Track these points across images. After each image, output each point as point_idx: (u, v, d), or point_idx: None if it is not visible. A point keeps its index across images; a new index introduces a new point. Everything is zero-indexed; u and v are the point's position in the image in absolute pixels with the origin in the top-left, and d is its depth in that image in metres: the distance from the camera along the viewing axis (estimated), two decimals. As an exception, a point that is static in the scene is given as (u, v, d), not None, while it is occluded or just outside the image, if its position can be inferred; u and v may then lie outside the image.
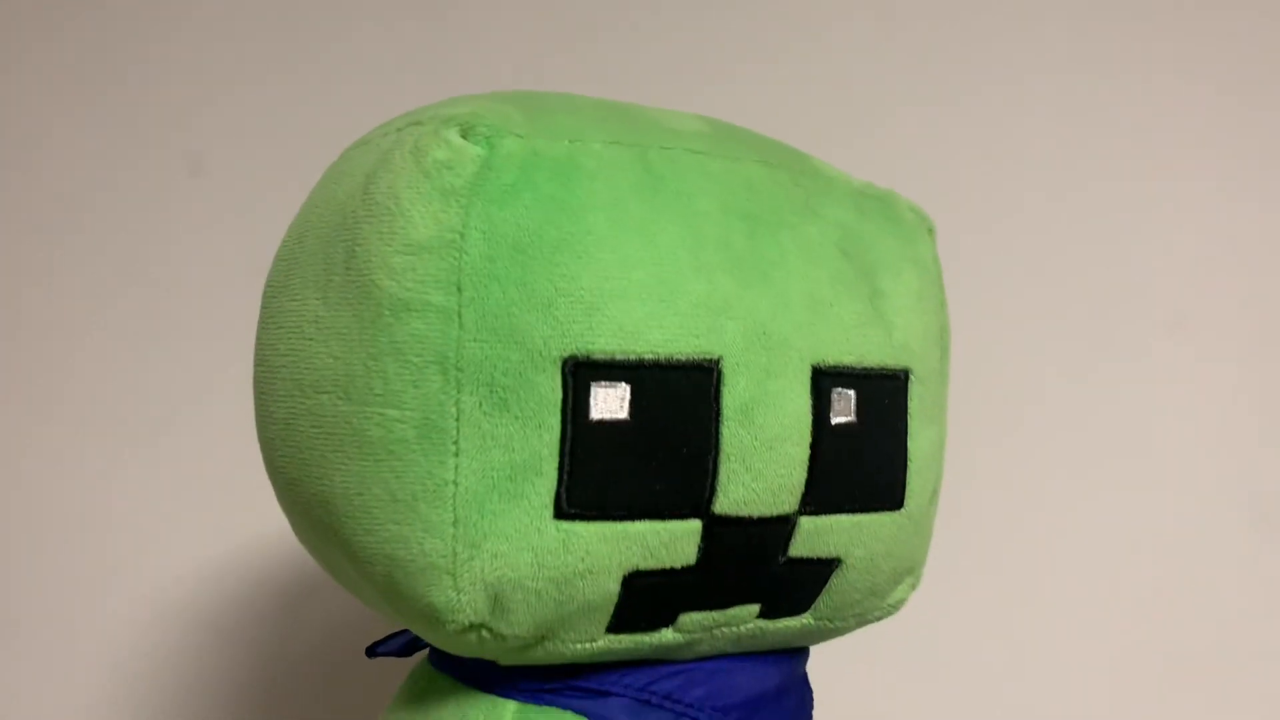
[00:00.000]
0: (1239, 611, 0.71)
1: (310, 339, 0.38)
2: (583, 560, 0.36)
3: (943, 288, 0.45)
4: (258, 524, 0.72)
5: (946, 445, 0.46)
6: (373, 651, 0.47)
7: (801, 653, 0.46)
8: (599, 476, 0.36)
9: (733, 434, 0.37)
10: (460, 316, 0.35)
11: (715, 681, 0.42)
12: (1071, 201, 0.72)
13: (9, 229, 0.75)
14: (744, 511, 0.38)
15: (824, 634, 0.44)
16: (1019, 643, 0.73)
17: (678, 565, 0.38)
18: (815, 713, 0.47)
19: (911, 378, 0.42)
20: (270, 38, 0.75)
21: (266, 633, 0.74)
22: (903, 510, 0.42)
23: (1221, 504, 0.71)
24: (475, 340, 0.35)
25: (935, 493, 0.44)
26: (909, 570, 0.44)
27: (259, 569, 0.74)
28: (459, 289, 0.36)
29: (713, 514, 0.38)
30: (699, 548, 0.38)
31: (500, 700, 0.41)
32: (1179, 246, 0.72)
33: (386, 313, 0.36)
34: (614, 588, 0.37)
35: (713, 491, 0.37)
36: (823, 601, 0.42)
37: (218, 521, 0.73)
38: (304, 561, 0.71)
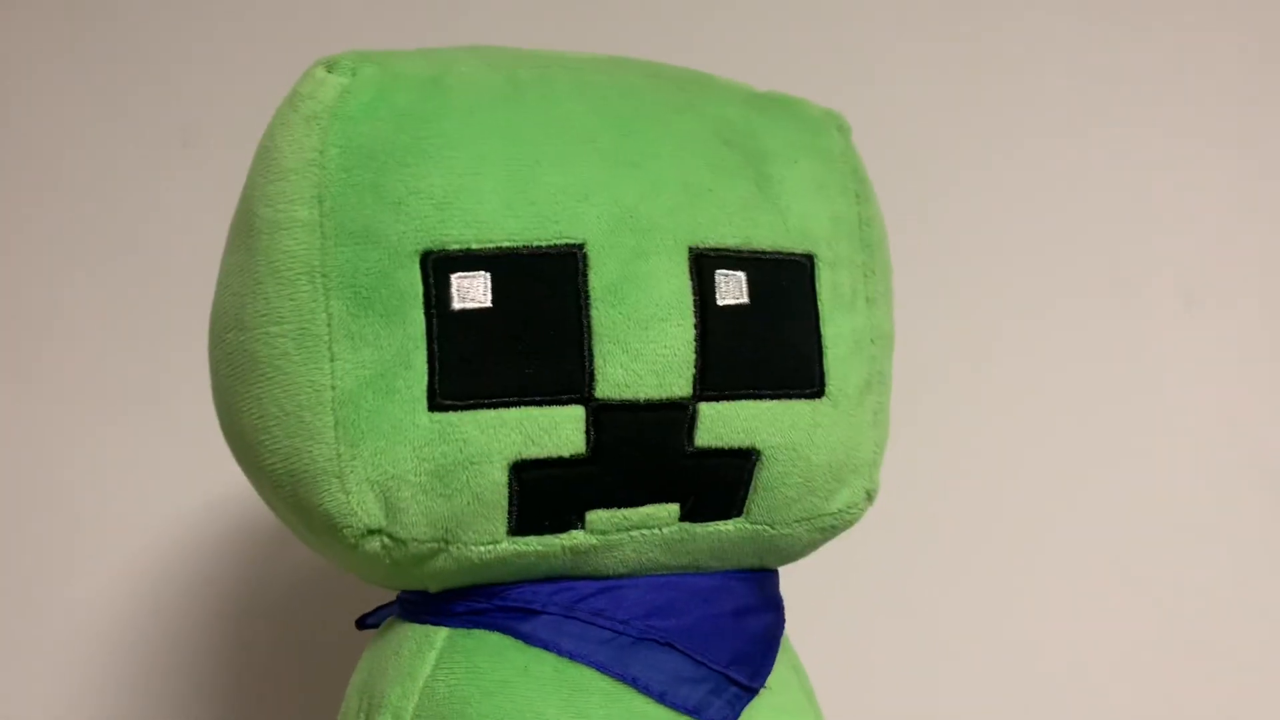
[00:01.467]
0: (1257, 593, 0.67)
1: (223, 287, 0.41)
2: (461, 449, 0.37)
3: (863, 181, 0.44)
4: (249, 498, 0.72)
5: (891, 345, 0.45)
6: (362, 623, 0.48)
7: (764, 573, 0.44)
8: (468, 365, 0.37)
9: (603, 315, 0.37)
10: (322, 226, 0.37)
11: (651, 597, 0.41)
12: (1084, 179, 0.71)
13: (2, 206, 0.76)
14: (629, 395, 0.38)
15: (774, 544, 0.42)
16: (1032, 634, 0.69)
17: (566, 454, 0.37)
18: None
19: (818, 262, 0.41)
20: (262, 6, 0.76)
21: (244, 605, 0.73)
22: (825, 398, 0.41)
23: (1235, 482, 0.68)
24: (337, 245, 0.37)
25: (871, 385, 0.42)
26: (851, 469, 0.42)
27: (239, 539, 0.74)
28: (320, 201, 0.37)
29: (595, 398, 0.37)
30: (587, 435, 0.37)
31: (434, 628, 0.41)
32: (1192, 224, 0.70)
33: (264, 237, 0.38)
34: (501, 478, 0.37)
35: (591, 375, 0.37)
36: (754, 503, 0.41)
37: (207, 492, 0.72)
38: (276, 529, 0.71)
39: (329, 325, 0.37)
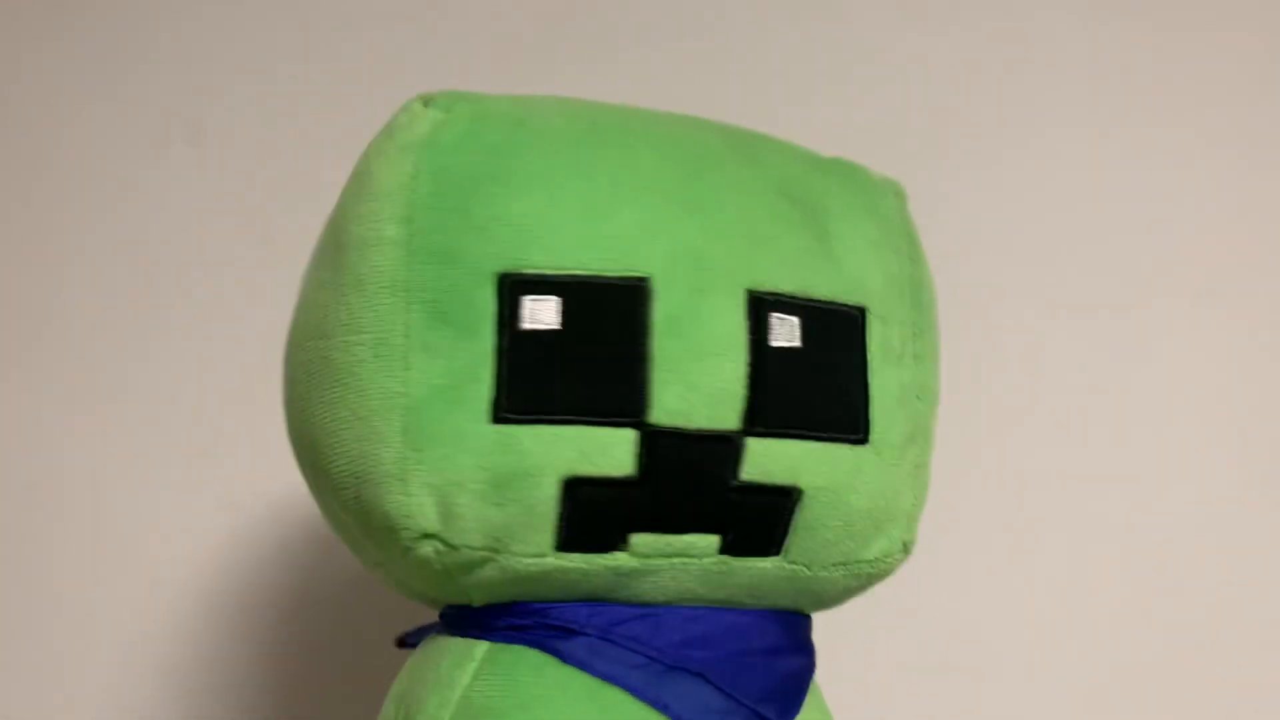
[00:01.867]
0: (1275, 594, 0.66)
1: (306, 300, 0.44)
2: (519, 460, 0.39)
3: (916, 245, 0.46)
4: (262, 499, 0.71)
5: (936, 404, 0.46)
6: (403, 642, 0.49)
7: (798, 616, 0.45)
8: (531, 381, 0.39)
9: (662, 344, 0.39)
10: (409, 245, 0.40)
11: (686, 628, 0.42)
12: (1092, 174, 0.71)
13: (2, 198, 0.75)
14: (680, 423, 0.39)
15: (810, 587, 0.43)
16: (1038, 635, 0.69)
17: (616, 474, 0.39)
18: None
19: (869, 315, 0.43)
20: (267, 5, 0.76)
21: (283, 615, 0.72)
22: (868, 445, 0.42)
23: (1249, 479, 0.68)
24: (422, 263, 0.40)
25: (914, 439, 0.44)
26: (889, 518, 0.43)
27: (273, 547, 0.73)
28: (409, 221, 0.40)
29: (649, 424, 0.39)
30: (638, 458, 0.39)
31: (475, 642, 0.42)
32: (1203, 219, 0.70)
33: (353, 253, 0.41)
34: (552, 491, 0.39)
35: (646, 399, 0.39)
36: (793, 543, 0.42)
37: (219, 498, 0.72)
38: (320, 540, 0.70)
39: (406, 336, 0.40)
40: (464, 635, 0.43)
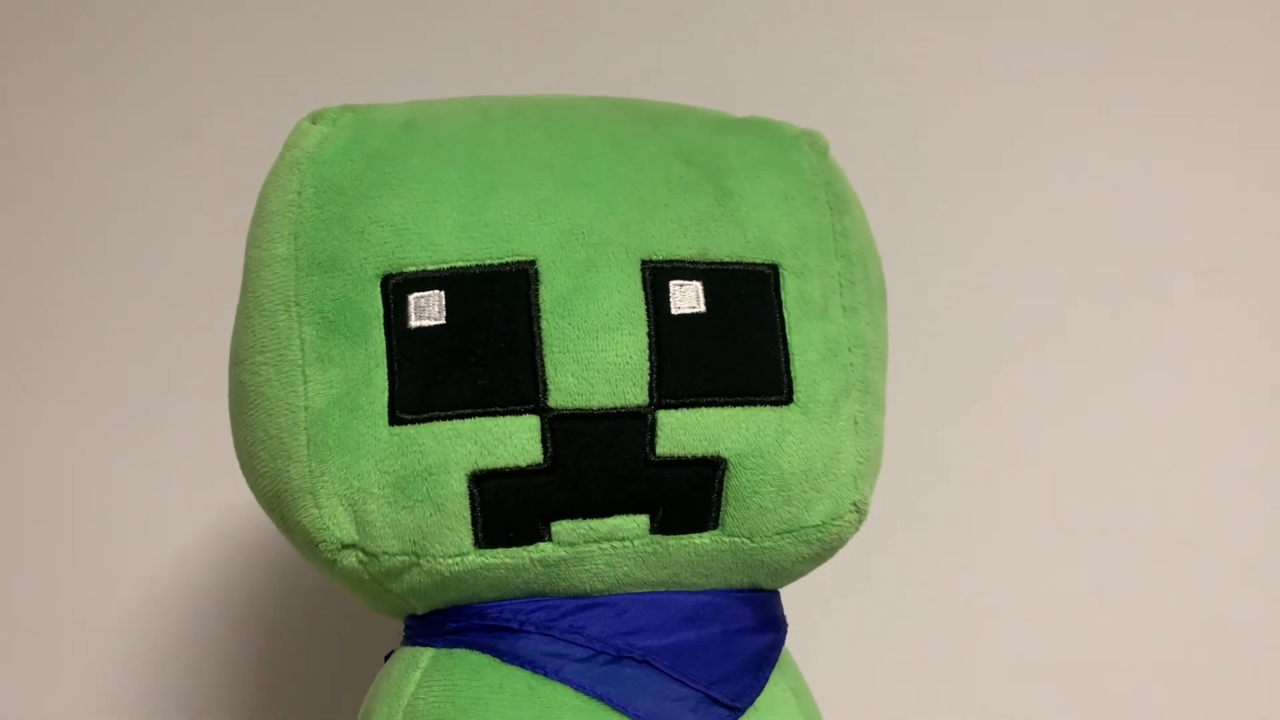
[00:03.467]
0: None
1: (234, 328, 0.44)
2: (419, 460, 0.38)
3: (839, 194, 0.44)
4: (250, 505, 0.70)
5: (883, 354, 0.44)
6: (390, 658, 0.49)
7: (762, 594, 0.43)
8: (423, 379, 0.38)
9: (553, 325, 0.38)
10: (297, 260, 0.40)
11: (631, 616, 0.41)
12: (1101, 152, 0.68)
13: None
14: (582, 403, 0.38)
15: (759, 559, 0.41)
16: (1043, 630, 0.66)
17: (523, 463, 0.38)
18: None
19: (782, 271, 0.41)
20: (261, 3, 0.76)
21: (264, 614, 0.71)
22: (793, 405, 0.40)
23: (1258, 469, 0.65)
24: (308, 275, 0.40)
25: (848, 393, 0.42)
26: (829, 477, 0.41)
27: (254, 551, 0.72)
28: (296, 237, 0.40)
29: (550, 408, 0.38)
30: (544, 445, 0.38)
31: (421, 649, 0.42)
32: (1210, 204, 0.67)
33: (252, 275, 0.42)
34: (460, 487, 0.38)
35: (544, 384, 0.38)
36: (728, 514, 0.40)
37: (210, 501, 0.71)
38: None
39: (302, 350, 0.40)
40: (414, 644, 0.42)
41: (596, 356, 0.38)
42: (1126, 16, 0.70)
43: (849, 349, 0.42)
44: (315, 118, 0.43)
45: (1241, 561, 0.65)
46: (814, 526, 0.41)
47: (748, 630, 0.42)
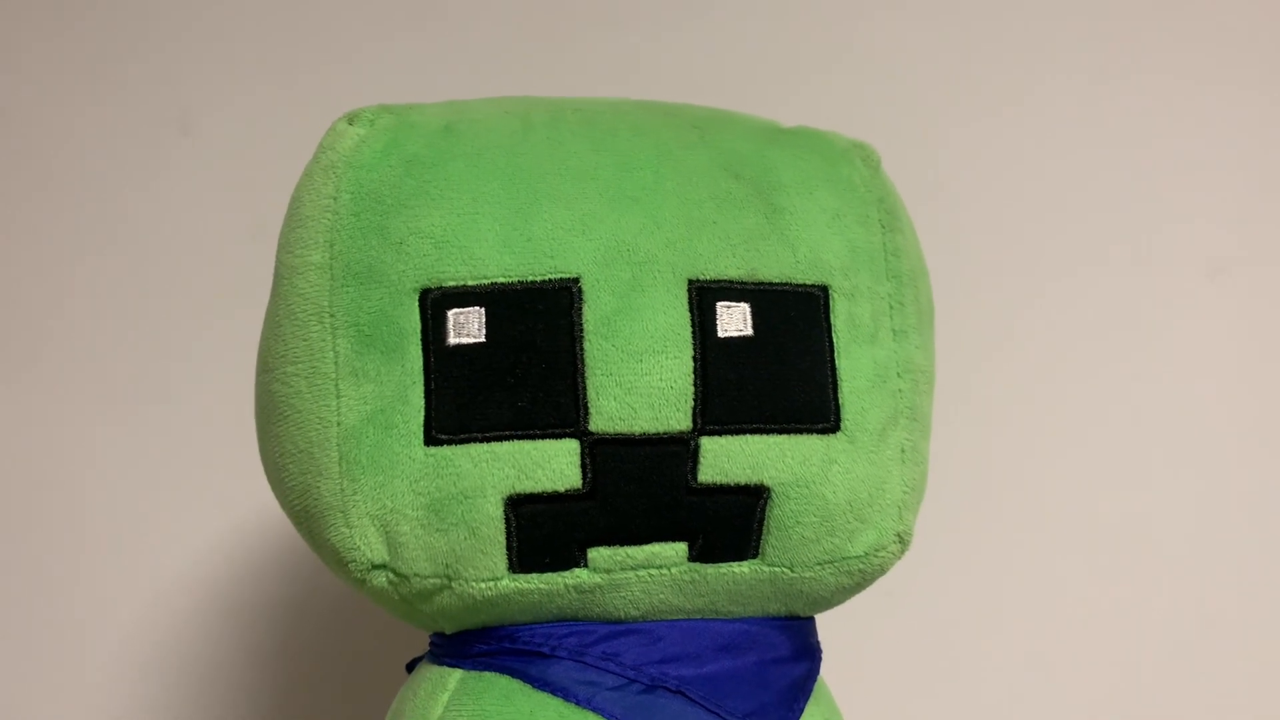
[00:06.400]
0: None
1: (262, 334, 0.43)
2: (455, 483, 0.37)
3: (891, 211, 0.43)
4: (259, 503, 0.68)
5: (931, 378, 0.43)
6: (411, 667, 0.48)
7: (796, 621, 0.42)
8: (461, 399, 0.37)
9: (595, 347, 0.37)
10: (332, 269, 0.39)
11: (666, 644, 0.40)
12: (1107, 149, 0.67)
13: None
14: (624, 428, 0.37)
15: (797, 589, 0.40)
16: (1047, 631, 0.65)
17: (562, 488, 0.37)
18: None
19: (832, 293, 0.40)
20: None
21: (281, 618, 0.70)
22: (840, 433, 0.39)
23: (1265, 465, 0.64)
24: (344, 286, 0.39)
25: (897, 421, 0.41)
26: (875, 508, 0.40)
27: (269, 554, 0.71)
28: (331, 245, 0.39)
29: (590, 432, 0.37)
30: (583, 470, 0.37)
31: (450, 670, 0.41)
32: (1216, 195, 0.66)
33: (284, 282, 0.40)
34: (496, 512, 0.37)
35: (585, 408, 0.37)
36: (769, 544, 0.39)
37: (215, 501, 0.70)
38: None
39: (336, 363, 0.38)
40: (441, 664, 0.41)
41: (640, 380, 0.37)
42: (1128, 13, 0.68)
43: (898, 374, 0.41)
44: (352, 119, 0.41)
45: (1241, 560, 0.64)
46: (856, 557, 0.40)
47: (783, 660, 0.41)
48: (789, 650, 0.41)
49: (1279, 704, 0.64)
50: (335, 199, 0.39)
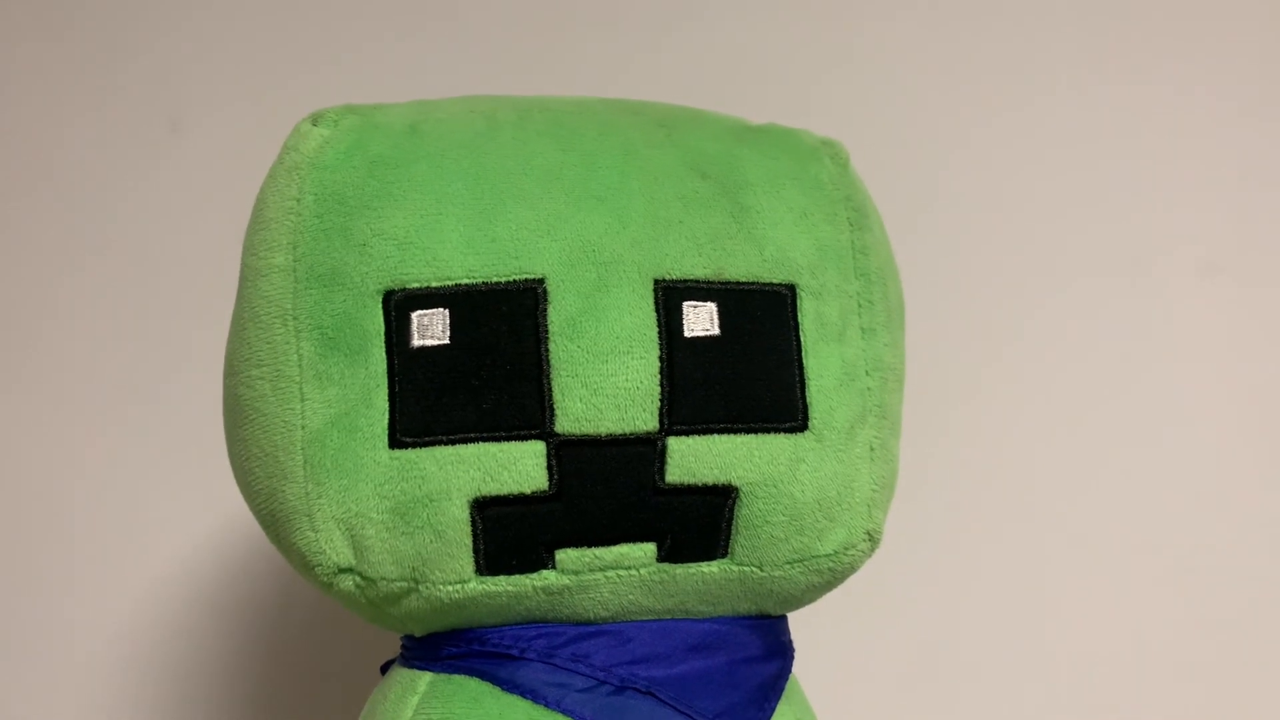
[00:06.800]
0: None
1: (228, 337, 0.43)
2: (420, 486, 0.37)
3: (860, 209, 0.43)
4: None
5: (901, 376, 0.43)
6: (385, 669, 0.48)
7: (768, 620, 0.42)
8: (425, 401, 0.37)
9: (561, 348, 0.37)
10: (295, 271, 0.39)
11: (635, 645, 0.39)
12: (1092, 147, 0.67)
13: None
14: (590, 429, 0.37)
15: (767, 588, 0.40)
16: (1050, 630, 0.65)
17: (528, 490, 0.37)
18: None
19: (800, 292, 0.40)
20: None
21: (264, 618, 0.70)
22: (808, 432, 0.39)
23: (1260, 463, 0.64)
24: (307, 289, 0.38)
25: (865, 419, 0.40)
26: (844, 507, 0.40)
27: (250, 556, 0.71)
28: (294, 247, 0.39)
29: (556, 433, 0.37)
30: (549, 471, 0.37)
31: (419, 673, 0.41)
32: (1209, 194, 0.66)
33: (248, 284, 0.40)
34: (461, 514, 0.37)
35: (550, 410, 0.37)
36: (738, 543, 0.39)
37: (205, 499, 0.69)
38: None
39: (300, 366, 0.38)
40: (411, 666, 0.41)
41: (606, 381, 0.37)
42: (1121, 9, 0.68)
43: (866, 373, 0.41)
44: (316, 119, 0.41)
45: (1242, 560, 0.64)
46: (826, 556, 0.40)
47: (754, 659, 0.41)
48: (760, 649, 0.41)
49: (1275, 703, 0.64)
50: (299, 200, 0.39)
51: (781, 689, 0.41)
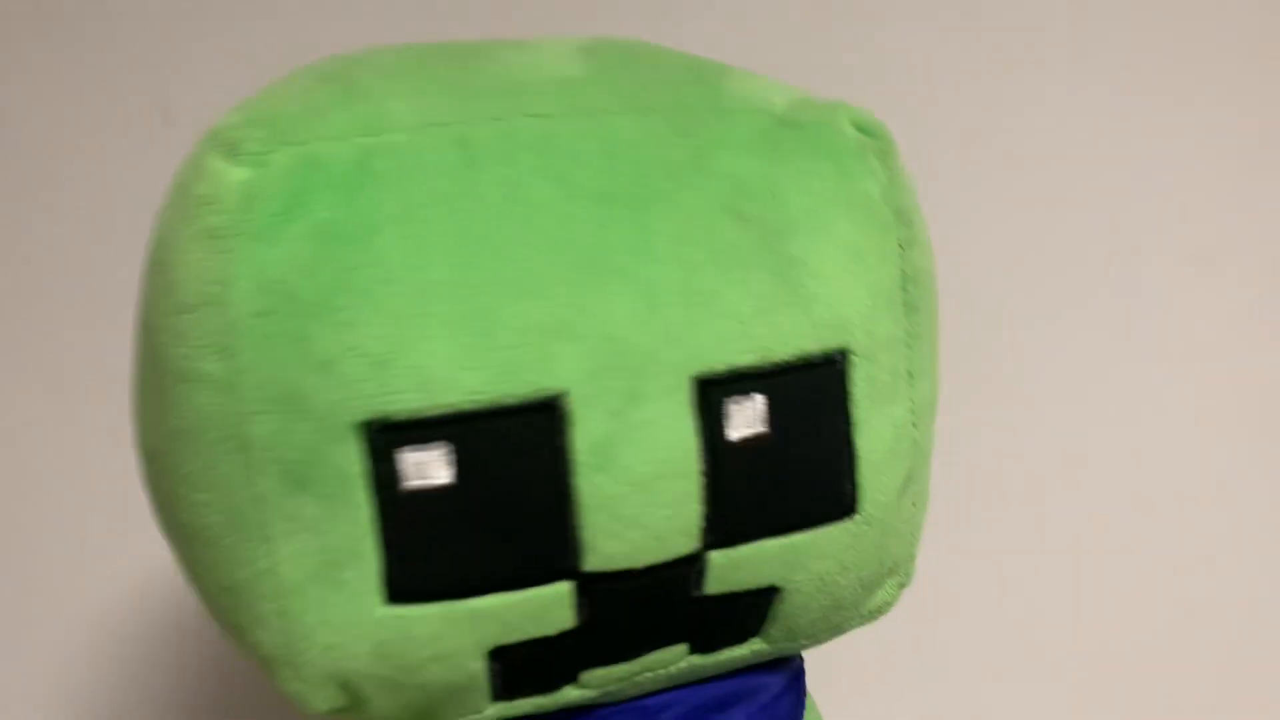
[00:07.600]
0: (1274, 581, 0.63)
1: (139, 399, 0.34)
2: (428, 646, 0.31)
3: (909, 221, 0.35)
4: None
5: (934, 411, 0.38)
6: None
7: (784, 661, 0.39)
8: (426, 553, 0.30)
9: (590, 482, 0.30)
10: (234, 387, 0.30)
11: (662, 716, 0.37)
12: (1092, 134, 0.63)
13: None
14: (625, 565, 0.31)
15: (795, 649, 0.38)
16: (1041, 624, 0.65)
17: (552, 633, 0.32)
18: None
19: (852, 358, 0.33)
20: None
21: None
22: (857, 515, 0.34)
23: (1255, 455, 0.64)
24: (257, 414, 0.30)
25: (911, 478, 0.36)
26: (885, 574, 0.36)
27: None
28: (229, 354, 0.30)
29: (584, 573, 0.31)
30: (578, 610, 0.32)
31: None
32: (1203, 184, 0.63)
33: (170, 385, 0.31)
34: (477, 666, 0.32)
35: (578, 551, 0.31)
36: (773, 626, 0.36)
37: None
38: None
39: (260, 504, 0.31)
40: None
41: (645, 514, 0.31)
42: (1117, 7, 0.63)
43: (913, 424, 0.36)
44: (231, 150, 0.30)
45: (1239, 555, 0.65)
46: (861, 616, 0.37)
47: (777, 696, 0.39)
48: (781, 685, 0.39)
49: (1276, 703, 0.65)
50: (225, 286, 0.30)
51: (801, 716, 0.40)
